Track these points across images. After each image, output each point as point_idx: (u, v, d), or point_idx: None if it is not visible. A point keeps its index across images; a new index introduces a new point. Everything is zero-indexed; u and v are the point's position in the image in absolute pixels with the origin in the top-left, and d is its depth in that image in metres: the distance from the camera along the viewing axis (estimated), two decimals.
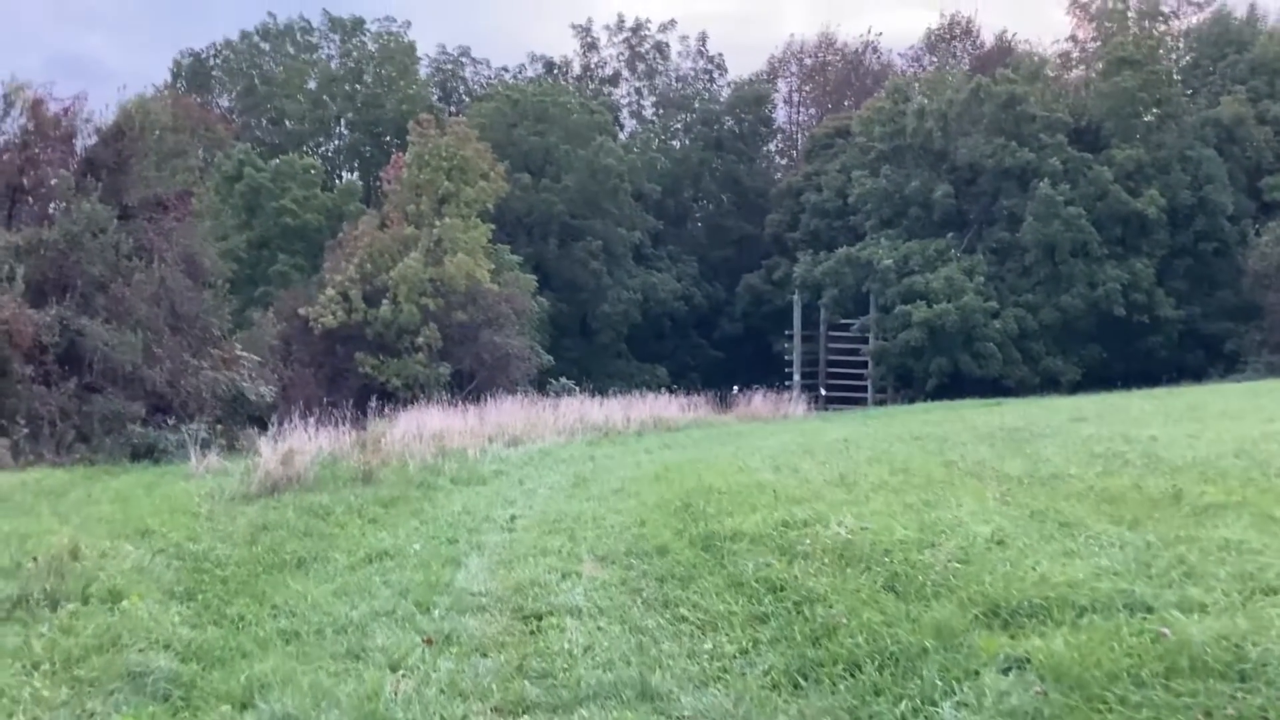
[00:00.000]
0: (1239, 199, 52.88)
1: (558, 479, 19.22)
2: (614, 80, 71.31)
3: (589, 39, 70.69)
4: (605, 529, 13.20)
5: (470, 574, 11.04)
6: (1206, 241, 52.14)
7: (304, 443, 19.65)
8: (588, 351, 57.48)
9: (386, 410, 30.48)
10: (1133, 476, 12.74)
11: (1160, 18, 59.11)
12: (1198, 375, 48.02)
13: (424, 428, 24.81)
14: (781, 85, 75.63)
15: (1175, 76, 57.89)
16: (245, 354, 33.30)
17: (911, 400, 48.84)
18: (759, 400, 40.20)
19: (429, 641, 8.47)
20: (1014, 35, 67.06)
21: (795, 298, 58.14)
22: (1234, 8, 61.77)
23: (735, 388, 41.39)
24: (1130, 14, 57.56)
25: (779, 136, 76.78)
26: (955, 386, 48.40)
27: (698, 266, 64.58)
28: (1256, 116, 54.30)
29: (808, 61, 76.13)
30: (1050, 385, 49.13)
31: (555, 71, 69.21)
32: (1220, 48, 58.61)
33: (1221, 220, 51.91)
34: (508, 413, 29.87)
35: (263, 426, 24.17)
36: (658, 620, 8.83)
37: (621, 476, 18.80)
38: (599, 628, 8.78)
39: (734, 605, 8.82)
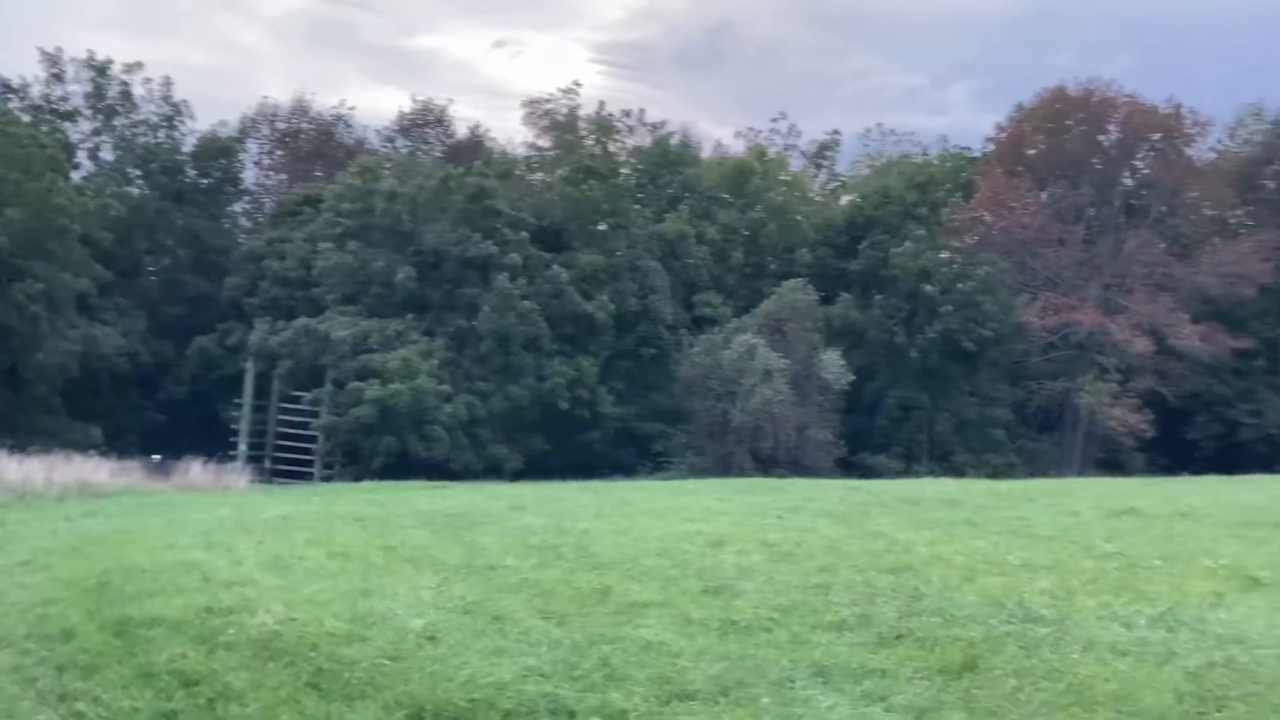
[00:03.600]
0: (677, 310, 57.34)
1: None
2: (72, 116, 66.39)
3: (56, 68, 65.45)
4: (5, 607, 11.84)
5: None
6: (647, 347, 55.94)
7: None
8: (13, 404, 52.36)
9: None
10: (565, 570, 13.07)
11: (614, 134, 63.11)
12: (629, 471, 51.03)
13: None
14: (252, 146, 73.59)
15: (630, 191, 61.96)
16: None
17: (359, 478, 48.30)
18: (199, 469, 38.34)
19: None
20: (485, 130, 69.29)
21: (249, 365, 56.18)
22: (675, 131, 67.30)
23: (175, 455, 39.06)
24: (583, 125, 61.12)
25: (246, 198, 74.41)
26: (402, 467, 48.44)
27: (147, 322, 60.87)
28: (696, 236, 59.33)
29: (280, 126, 74.58)
30: (494, 472, 50.37)
31: (10, 94, 63.43)
32: (663, 168, 63.55)
33: (662, 328, 55.97)
34: None
35: None
36: (50, 716, 7.90)
37: (33, 546, 17.07)
38: None
39: (140, 700, 8.06)
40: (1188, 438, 58.86)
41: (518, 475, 49.44)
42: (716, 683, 7.82)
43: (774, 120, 73.35)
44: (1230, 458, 55.70)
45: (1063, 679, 8.19)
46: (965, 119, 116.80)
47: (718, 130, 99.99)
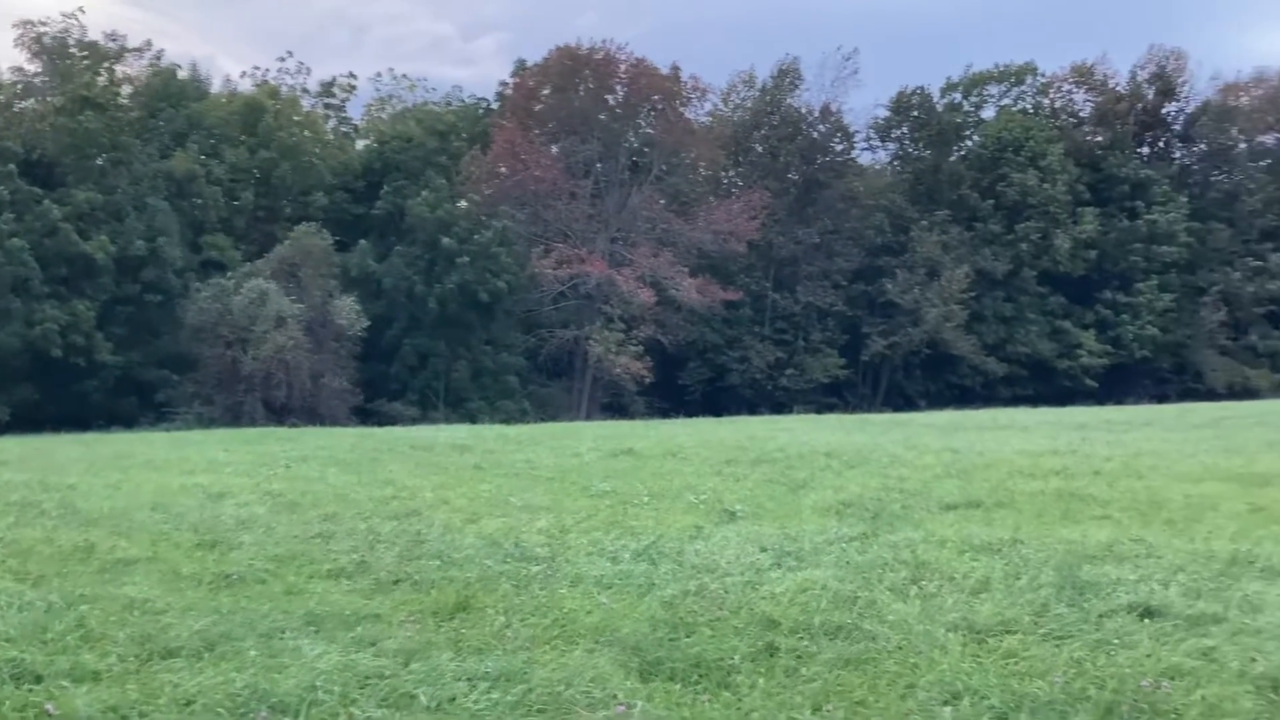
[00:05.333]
0: (185, 253, 54.42)
1: None
2: None
3: None
4: None
5: None
6: (152, 292, 52.71)
7: None
8: None
9: None
10: (46, 528, 12.28)
11: (109, 61, 58.63)
12: (130, 422, 48.25)
13: None
14: None
15: (132, 125, 57.96)
16: None
17: None
18: None
19: None
20: None
21: None
22: (178, 62, 62.99)
23: None
24: (76, 50, 56.67)
25: None
26: None
27: None
28: (206, 175, 56.43)
29: None
30: None
31: None
32: (165, 101, 59.55)
33: (169, 273, 52.90)
34: None
35: None
36: None
37: None
38: None
39: None
40: (681, 382, 63.07)
41: (4, 429, 45.67)
42: (202, 638, 7.61)
43: (282, 60, 70.77)
44: (719, 400, 60.45)
45: (550, 614, 8.59)
46: (492, 72, 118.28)
47: (240, 68, 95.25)
